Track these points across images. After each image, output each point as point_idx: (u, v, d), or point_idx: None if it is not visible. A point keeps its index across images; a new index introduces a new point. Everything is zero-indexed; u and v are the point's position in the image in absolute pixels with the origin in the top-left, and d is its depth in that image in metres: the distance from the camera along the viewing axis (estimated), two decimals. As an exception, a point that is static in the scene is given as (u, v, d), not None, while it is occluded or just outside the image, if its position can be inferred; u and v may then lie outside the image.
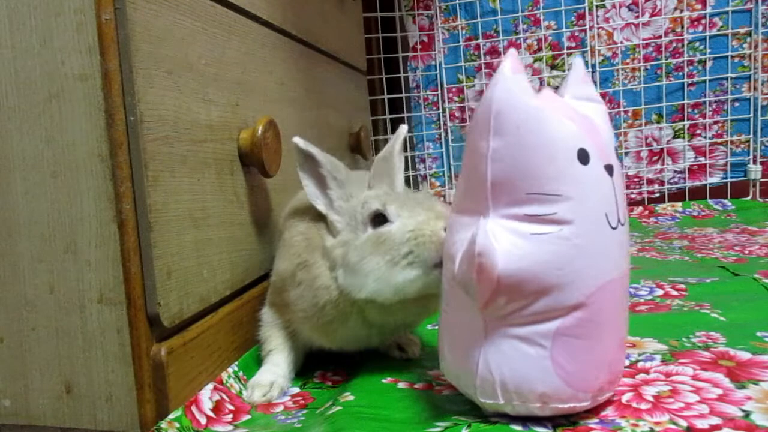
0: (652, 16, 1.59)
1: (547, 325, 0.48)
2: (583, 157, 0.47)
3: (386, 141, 1.71)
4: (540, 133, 0.47)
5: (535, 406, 0.49)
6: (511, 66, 0.49)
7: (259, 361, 0.71)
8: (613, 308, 0.49)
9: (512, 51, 0.50)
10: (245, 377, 0.68)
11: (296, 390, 0.68)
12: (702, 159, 1.61)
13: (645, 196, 1.64)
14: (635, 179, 1.65)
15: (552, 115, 0.48)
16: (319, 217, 0.66)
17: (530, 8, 1.66)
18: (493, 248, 0.47)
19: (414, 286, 0.57)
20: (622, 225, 0.49)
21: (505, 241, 0.47)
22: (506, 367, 0.49)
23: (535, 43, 1.68)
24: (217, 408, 0.61)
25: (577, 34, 1.64)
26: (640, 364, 0.61)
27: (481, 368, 0.50)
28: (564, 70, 1.64)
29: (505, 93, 0.48)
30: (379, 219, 0.60)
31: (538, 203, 0.47)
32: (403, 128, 0.71)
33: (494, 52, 1.70)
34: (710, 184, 1.61)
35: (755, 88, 1.55)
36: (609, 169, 0.49)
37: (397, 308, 0.60)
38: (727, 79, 1.57)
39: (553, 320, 0.48)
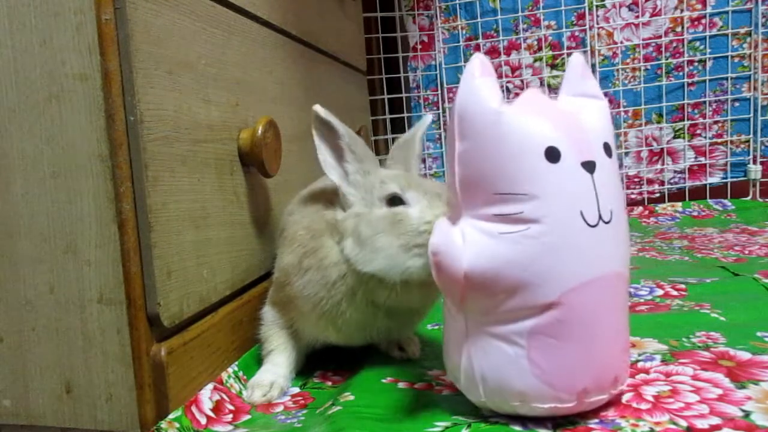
0: (652, 16, 1.59)
1: (523, 324, 0.48)
2: (553, 155, 0.47)
3: (386, 141, 1.72)
4: (502, 135, 0.48)
5: (515, 404, 0.49)
6: (478, 69, 0.49)
7: (259, 361, 0.71)
8: (598, 309, 0.48)
9: (479, 55, 0.51)
10: (245, 377, 0.68)
11: (296, 390, 0.68)
12: (702, 159, 1.61)
13: (645, 196, 1.64)
14: (635, 179, 1.64)
15: (518, 116, 0.48)
16: (323, 207, 0.66)
17: (530, 8, 1.66)
18: (452, 247, 0.48)
19: (420, 274, 0.57)
20: (606, 222, 0.48)
21: (475, 240, 0.48)
22: (486, 364, 0.50)
23: (535, 43, 1.67)
24: (217, 408, 0.61)
25: (577, 34, 1.64)
26: (640, 364, 0.61)
27: (465, 365, 0.51)
28: (564, 70, 1.63)
29: (468, 97, 0.49)
30: (395, 201, 0.60)
31: (504, 203, 0.47)
32: (428, 117, 0.73)
33: (494, 52, 1.70)
34: (710, 184, 1.61)
35: (755, 88, 1.55)
36: (588, 165, 0.48)
37: (401, 289, 0.59)
38: (727, 79, 1.57)
39: (527, 319, 0.48)
